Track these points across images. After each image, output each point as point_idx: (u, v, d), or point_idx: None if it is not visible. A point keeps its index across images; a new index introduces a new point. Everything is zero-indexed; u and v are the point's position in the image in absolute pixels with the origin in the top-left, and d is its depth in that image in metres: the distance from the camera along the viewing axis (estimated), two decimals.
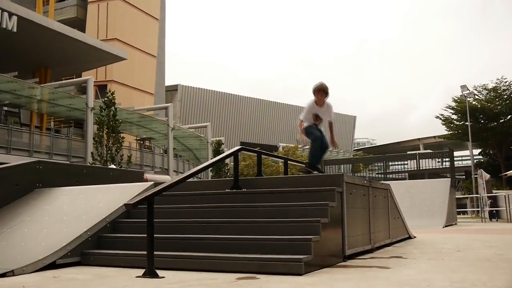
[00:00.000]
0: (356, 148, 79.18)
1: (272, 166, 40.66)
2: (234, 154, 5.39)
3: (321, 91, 6.32)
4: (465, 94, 37.43)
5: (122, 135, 24.69)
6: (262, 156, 6.65)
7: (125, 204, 4.29)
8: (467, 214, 30.15)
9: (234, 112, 65.40)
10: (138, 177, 9.68)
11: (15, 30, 23.34)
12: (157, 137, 35.97)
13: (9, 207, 6.65)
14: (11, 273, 4.32)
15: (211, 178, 32.69)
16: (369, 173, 24.98)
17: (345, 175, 5.18)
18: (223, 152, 22.41)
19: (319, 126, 6.50)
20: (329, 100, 6.52)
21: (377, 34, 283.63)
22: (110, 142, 22.61)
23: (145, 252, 4.18)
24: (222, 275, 3.96)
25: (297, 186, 5.46)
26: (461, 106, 40.52)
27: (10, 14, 23.27)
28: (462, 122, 41.71)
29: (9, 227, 6.00)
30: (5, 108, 26.89)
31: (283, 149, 48.68)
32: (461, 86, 37.72)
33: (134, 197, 5.02)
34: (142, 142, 35.90)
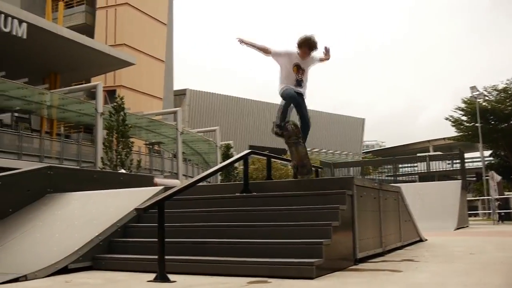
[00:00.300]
0: (365, 151, 78.86)
1: (281, 170, 40.63)
2: (244, 158, 5.39)
3: (305, 46, 5.29)
4: (475, 95, 37.16)
5: (131, 139, 24.80)
6: (271, 159, 6.64)
7: (136, 209, 4.31)
8: (478, 216, 29.91)
9: (243, 116, 65.48)
10: (147, 182, 9.71)
11: (25, 37, 23.57)
12: (166, 142, 36.08)
13: (21, 212, 6.70)
14: (24, 278, 4.35)
15: (220, 182, 32.71)
16: (378, 176, 24.86)
17: (355, 178, 5.16)
18: (232, 156, 22.43)
19: (302, 85, 5.46)
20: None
21: (384, 35, 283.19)
22: (120, 147, 22.72)
23: (156, 257, 4.19)
24: (233, 279, 3.95)
25: (307, 190, 5.44)
26: (471, 107, 40.19)
27: (20, 21, 23.50)
28: (472, 123, 41.34)
29: (21, 232, 6.04)
30: (16, 114, 27.12)
31: None
32: (470, 87, 37.46)
33: (145, 201, 5.04)
34: (151, 146, 36.02)
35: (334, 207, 4.73)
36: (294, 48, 5.40)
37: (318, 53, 5.61)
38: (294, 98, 5.38)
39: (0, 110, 25.98)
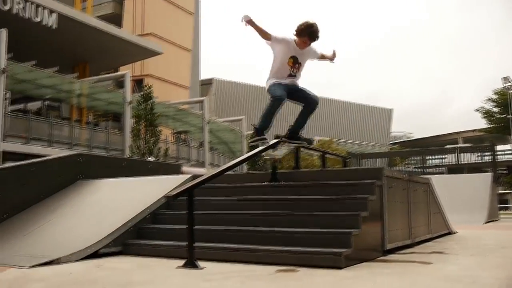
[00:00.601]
0: (392, 142, 77.88)
1: (307, 160, 40.46)
2: (273, 147, 5.38)
3: (305, 35, 4.62)
4: (507, 86, 36.24)
5: (159, 128, 25.08)
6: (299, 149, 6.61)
7: (166, 196, 4.36)
8: (509, 210, 29.28)
9: None
10: (175, 170, 9.81)
11: (55, 26, 24.00)
12: (193, 130, 36.35)
13: (53, 197, 6.86)
14: (57, 261, 4.46)
15: (247, 171, 32.81)
16: (406, 167, 24.54)
17: (385, 169, 5.10)
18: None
19: (294, 80, 4.91)
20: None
21: (414, 23, 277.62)
22: (148, 135, 23.02)
23: (185, 243, 4.24)
24: (261, 267, 3.97)
25: (335, 179, 5.42)
26: (502, 98, 39.28)
27: (51, 11, 23.94)
28: (504, 114, 40.40)
29: (53, 217, 6.20)
30: (46, 103, 27.71)
31: (318, 142, 48.38)
32: (502, 78, 36.57)
33: (174, 188, 5.09)
34: (178, 135, 36.36)
35: (363, 197, 4.69)
36: (292, 36, 4.74)
37: (321, 48, 5.08)
38: (279, 100, 4.80)
39: (32, 99, 26.59)
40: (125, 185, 6.85)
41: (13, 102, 24.86)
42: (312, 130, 65.39)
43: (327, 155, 8.64)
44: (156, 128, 24.00)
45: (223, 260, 4.30)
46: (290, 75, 4.77)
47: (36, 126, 22.57)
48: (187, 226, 4.18)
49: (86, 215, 6.01)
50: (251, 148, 5.04)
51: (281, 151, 5.08)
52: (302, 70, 4.80)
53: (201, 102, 34.94)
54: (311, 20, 4.57)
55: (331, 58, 5.15)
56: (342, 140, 61.66)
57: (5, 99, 20.56)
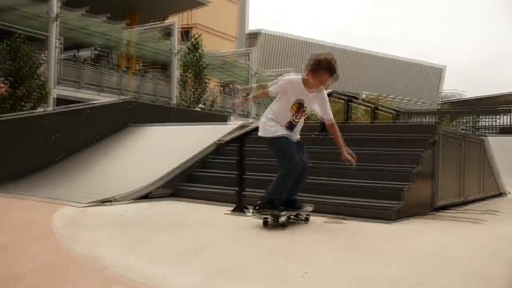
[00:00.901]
0: (442, 101, 75.38)
1: (354, 115, 39.91)
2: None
3: (325, 71, 3.48)
4: None
5: (206, 78, 25.19)
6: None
7: (217, 142, 4.40)
8: None
9: None
10: (222, 119, 9.90)
11: None
12: (239, 82, 36.31)
13: (106, 141, 7.07)
14: (113, 200, 4.64)
15: None
16: (456, 127, 23.76)
17: (440, 125, 4.94)
18: None
19: (296, 126, 3.71)
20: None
21: None
22: (196, 85, 23.19)
23: (233, 189, 4.29)
24: (312, 217, 3.99)
25: (387, 133, 5.30)
26: None
27: None
28: None
29: (106, 159, 6.41)
30: (96, 52, 28.20)
31: (366, 97, 47.46)
32: None
33: (223, 136, 5.12)
34: (224, 86, 36.45)
35: (416, 153, 4.58)
36: (295, 77, 3.68)
37: None
38: (298, 170, 3.59)
39: (82, 46, 27.10)
40: (174, 132, 6.96)
41: (65, 49, 25.42)
42: (359, 86, 64.09)
43: (381, 111, 8.40)
44: (204, 78, 24.10)
45: None
46: (290, 124, 3.65)
47: (87, 73, 23.11)
48: (237, 172, 4.22)
49: (137, 159, 6.18)
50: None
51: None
52: (302, 121, 3.75)
53: (248, 54, 34.67)
54: (328, 54, 3.56)
55: (344, 154, 3.74)
56: (390, 96, 60.12)
57: (58, 46, 21.04)
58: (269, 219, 3.53)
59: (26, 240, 3.02)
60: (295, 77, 3.65)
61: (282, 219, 3.54)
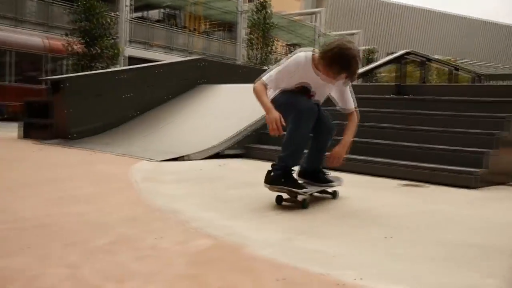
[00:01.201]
0: None
1: (414, 77, 38.30)
2: (402, 58, 5.04)
3: (341, 70, 2.58)
4: None
5: (273, 39, 24.95)
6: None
7: None
8: None
9: (385, 21, 61.71)
10: None
11: None
12: (305, 43, 35.69)
13: (177, 99, 7.20)
14: (187, 157, 4.74)
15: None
16: None
17: None
18: (374, 61, 21.52)
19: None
20: None
21: None
22: (264, 45, 23.04)
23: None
24: (386, 180, 3.88)
25: (467, 96, 5.02)
26: None
27: None
28: None
29: (178, 117, 6.54)
30: (163, 11, 28.55)
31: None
32: None
33: None
34: (290, 47, 35.98)
35: (501, 116, 4.30)
36: (304, 58, 2.76)
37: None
38: (304, 113, 2.77)
39: (152, 6, 27.50)
40: (245, 91, 6.91)
41: (136, 9, 25.92)
42: (430, 48, 61.14)
43: (461, 72, 7.92)
44: (271, 38, 23.88)
45: (349, 170, 4.12)
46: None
47: (156, 33, 23.55)
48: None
49: (208, 118, 6.25)
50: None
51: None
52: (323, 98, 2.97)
53: (315, 14, 33.86)
54: (353, 47, 2.60)
55: (339, 150, 2.87)
56: (465, 60, 57.08)
57: (129, 5, 21.48)
58: (285, 196, 2.80)
59: (109, 191, 3.15)
60: (305, 59, 2.75)
61: (302, 196, 2.75)
